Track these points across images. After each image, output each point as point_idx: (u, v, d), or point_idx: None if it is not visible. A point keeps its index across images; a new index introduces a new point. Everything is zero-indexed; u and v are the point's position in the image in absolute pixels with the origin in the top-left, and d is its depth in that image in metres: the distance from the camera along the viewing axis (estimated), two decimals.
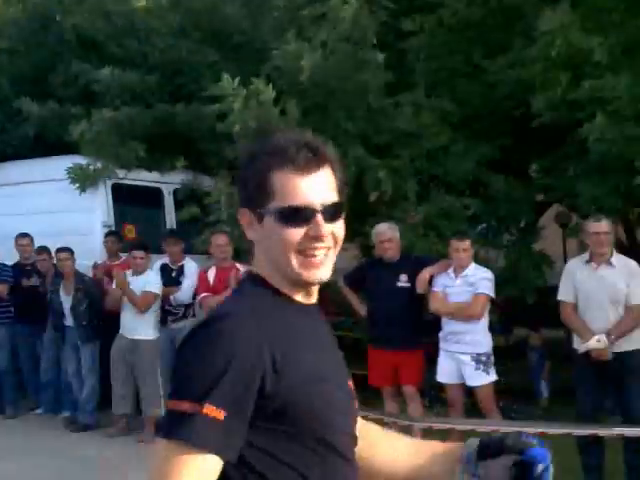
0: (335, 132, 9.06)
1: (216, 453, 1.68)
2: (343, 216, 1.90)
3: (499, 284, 7.79)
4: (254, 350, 1.71)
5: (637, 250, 9.59)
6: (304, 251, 1.84)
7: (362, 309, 8.07)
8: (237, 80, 8.90)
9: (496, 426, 6.37)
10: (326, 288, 7.42)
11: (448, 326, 7.31)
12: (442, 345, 7.39)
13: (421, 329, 7.78)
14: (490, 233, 9.35)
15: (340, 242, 1.91)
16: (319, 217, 1.83)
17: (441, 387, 7.75)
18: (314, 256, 1.85)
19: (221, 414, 1.67)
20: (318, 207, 1.84)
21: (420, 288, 7.47)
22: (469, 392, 7.48)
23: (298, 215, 1.83)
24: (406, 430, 7.64)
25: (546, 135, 9.10)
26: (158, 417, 8.65)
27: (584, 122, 8.07)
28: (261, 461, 1.74)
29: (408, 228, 8.72)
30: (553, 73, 8.40)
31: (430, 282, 7.49)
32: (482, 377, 7.14)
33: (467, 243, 7.33)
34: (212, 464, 1.68)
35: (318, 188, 1.84)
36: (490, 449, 1.93)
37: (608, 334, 6.34)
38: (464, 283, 7.26)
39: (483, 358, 7.12)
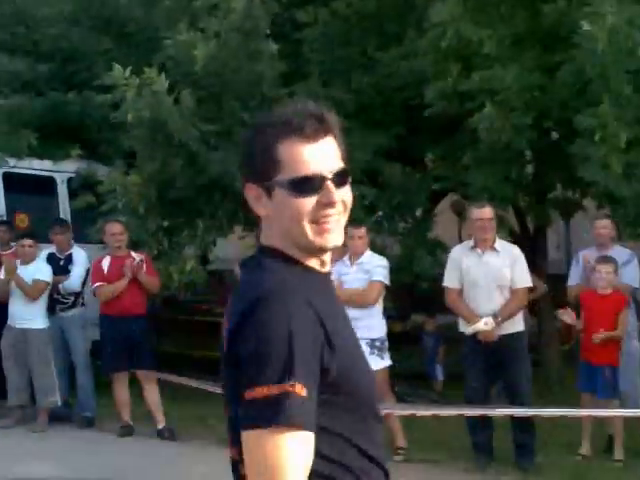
0: (230, 122, 9.07)
1: (310, 429, 1.68)
2: (349, 181, 1.88)
3: (395, 271, 7.93)
4: (312, 324, 1.72)
5: (529, 237, 9.93)
6: (317, 219, 1.82)
7: None
8: (129, 70, 8.80)
9: (391, 410, 6.51)
10: (225, 277, 7.47)
11: None
12: None
13: None
14: (386, 221, 9.49)
15: (349, 208, 1.88)
16: (330, 184, 1.81)
17: None
18: (327, 222, 1.82)
19: (303, 391, 1.66)
20: (328, 174, 1.81)
21: None
22: None
23: (309, 184, 1.80)
24: None
25: (440, 125, 9.30)
26: (52, 407, 8.53)
27: (474, 112, 8.29)
28: (323, 441, 1.73)
29: None
30: (444, 64, 8.59)
31: None
32: (377, 362, 7.24)
33: (362, 231, 7.42)
34: (311, 440, 1.69)
35: (326, 156, 1.82)
36: None
37: (495, 316, 6.56)
38: (359, 270, 7.35)
39: (377, 343, 7.24)
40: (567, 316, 6.99)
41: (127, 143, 9.50)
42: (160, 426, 8.13)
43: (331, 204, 1.81)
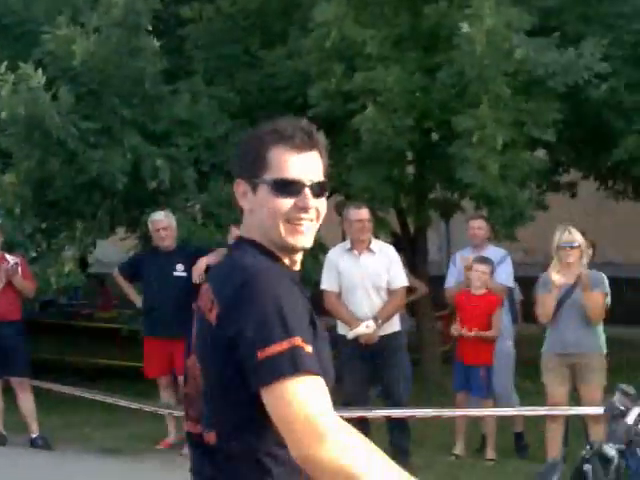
0: (110, 119, 8.83)
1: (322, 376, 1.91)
2: (326, 195, 2.12)
3: None
4: (300, 298, 1.99)
5: (409, 238, 10.01)
6: (291, 220, 2.05)
7: (138, 300, 7.92)
8: (4, 65, 8.47)
9: None
10: (105, 281, 7.23)
11: None
12: None
13: None
14: None
15: (321, 218, 2.11)
16: (307, 191, 2.06)
17: None
18: (300, 225, 2.06)
19: (310, 347, 1.90)
20: (307, 182, 2.06)
21: (196, 277, 7.42)
22: None
23: (290, 187, 2.04)
24: (182, 419, 7.60)
25: (324, 125, 9.27)
26: None
27: (357, 113, 8.29)
28: None
29: (186, 217, 8.65)
30: (328, 64, 8.56)
31: (207, 271, 7.45)
32: None
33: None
34: (325, 385, 1.92)
35: (309, 166, 2.07)
36: None
37: (375, 319, 6.54)
38: None
39: None
40: (455, 330, 7.04)
41: (2, 141, 9.14)
42: (34, 435, 7.84)
43: (306, 209, 2.06)
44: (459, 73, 8.05)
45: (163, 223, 7.64)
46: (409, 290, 7.03)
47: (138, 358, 7.98)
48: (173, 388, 7.74)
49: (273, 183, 2.05)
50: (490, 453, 7.00)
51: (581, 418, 6.51)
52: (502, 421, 7.16)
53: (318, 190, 2.08)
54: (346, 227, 6.79)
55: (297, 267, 2.15)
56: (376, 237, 7.23)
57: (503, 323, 7.22)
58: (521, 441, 7.21)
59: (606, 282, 6.45)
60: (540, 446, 6.61)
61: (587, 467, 2.59)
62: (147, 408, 7.21)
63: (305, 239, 2.08)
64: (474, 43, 7.74)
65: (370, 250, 6.69)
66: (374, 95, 8.23)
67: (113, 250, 9.78)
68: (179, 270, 7.55)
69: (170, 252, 7.65)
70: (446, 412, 6.70)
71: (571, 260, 6.31)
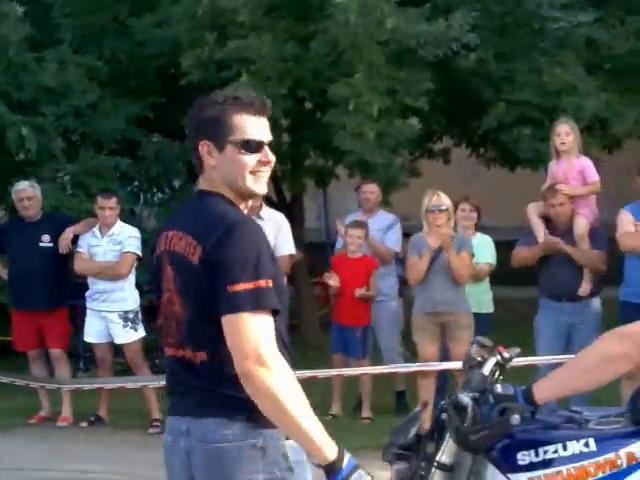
0: None
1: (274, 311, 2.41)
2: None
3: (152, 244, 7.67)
4: (268, 243, 2.48)
5: (285, 205, 9.99)
6: (255, 172, 2.52)
7: (3, 272, 7.62)
8: None
9: (143, 382, 6.31)
10: None
11: (94, 285, 7.11)
12: (89, 304, 7.18)
13: (67, 290, 7.51)
14: (142, 192, 9.22)
15: (271, 168, 2.58)
16: (267, 148, 2.54)
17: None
18: (262, 175, 2.54)
19: (270, 283, 2.38)
20: (266, 141, 2.54)
21: (63, 247, 7.19)
22: (120, 349, 7.40)
23: (255, 145, 2.50)
24: (55, 393, 7.40)
25: (197, 94, 9.08)
26: None
27: (231, 82, 8.16)
28: None
29: (55, 187, 8.36)
30: (199, 32, 8.40)
31: (75, 242, 7.23)
32: (130, 334, 7.04)
33: (113, 201, 7.13)
34: (272, 319, 2.41)
35: (264, 128, 2.55)
36: None
37: None
38: (111, 242, 7.08)
39: (130, 315, 7.02)
40: (332, 280, 7.04)
41: None
42: None
43: (268, 162, 2.54)
44: (333, 42, 8.02)
45: (27, 192, 7.35)
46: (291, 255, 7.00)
47: (8, 332, 7.71)
48: (44, 361, 7.51)
49: (241, 143, 2.49)
50: (365, 412, 7.09)
51: (455, 378, 6.62)
52: (384, 381, 7.26)
53: (271, 147, 2.55)
54: None
55: (245, 212, 2.60)
56: None
57: (389, 285, 7.32)
58: (402, 399, 7.32)
59: (472, 243, 6.65)
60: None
61: (444, 416, 2.61)
62: (18, 382, 6.97)
63: (264, 187, 2.58)
64: (348, 12, 7.72)
65: (259, 217, 6.59)
66: (247, 64, 8.13)
67: None
68: (45, 241, 7.29)
69: (36, 222, 7.37)
70: (321, 372, 6.73)
71: (439, 223, 6.44)
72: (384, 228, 7.47)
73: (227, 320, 2.36)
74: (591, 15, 8.28)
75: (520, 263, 6.57)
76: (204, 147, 2.53)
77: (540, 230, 6.40)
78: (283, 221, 6.86)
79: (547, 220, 6.45)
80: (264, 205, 6.80)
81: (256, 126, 2.51)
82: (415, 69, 8.17)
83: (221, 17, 8.38)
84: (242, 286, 2.34)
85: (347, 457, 2.39)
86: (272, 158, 2.54)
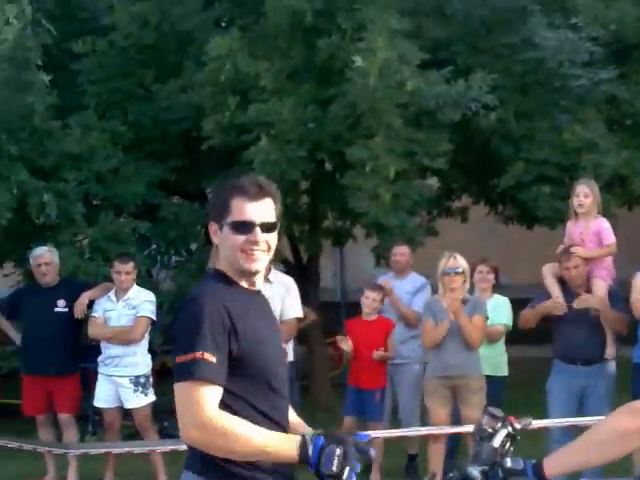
0: None
1: (215, 383, 2.54)
2: (276, 231, 2.75)
3: (170, 306, 7.70)
4: (221, 315, 2.58)
5: (302, 266, 9.98)
6: (246, 250, 2.68)
7: (17, 337, 7.64)
8: None
9: (150, 447, 6.25)
10: None
11: (107, 350, 7.11)
12: (100, 369, 7.16)
13: (80, 354, 7.53)
14: (159, 255, 9.27)
15: (272, 248, 2.75)
16: (257, 229, 2.69)
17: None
18: (252, 254, 2.68)
19: (213, 358, 2.53)
20: (257, 222, 2.69)
21: (78, 313, 7.21)
22: (128, 413, 7.34)
23: (243, 226, 2.68)
24: (62, 457, 7.34)
25: (218, 157, 9.21)
26: None
27: (251, 145, 8.25)
28: (229, 398, 2.59)
29: (74, 251, 8.43)
30: (222, 97, 8.53)
31: (90, 306, 7.26)
32: (140, 399, 7.00)
33: (130, 265, 7.16)
34: (217, 391, 2.55)
35: (260, 211, 2.70)
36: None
37: None
38: (126, 306, 7.09)
39: (142, 380, 7.00)
40: (345, 344, 6.98)
41: None
42: None
43: (255, 242, 2.69)
44: (352, 105, 8.10)
45: (44, 258, 7.41)
46: (298, 319, 6.95)
47: (16, 396, 7.70)
48: (52, 425, 7.49)
49: (232, 224, 2.69)
50: (375, 476, 6.93)
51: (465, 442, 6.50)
52: (395, 443, 7.16)
53: (268, 227, 2.71)
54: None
55: (256, 287, 2.79)
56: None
57: (413, 348, 7.23)
58: (413, 463, 7.20)
59: (486, 306, 6.59)
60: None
61: None
62: (26, 446, 6.93)
63: (257, 265, 2.72)
64: (367, 76, 7.82)
65: (267, 280, 6.56)
66: (268, 127, 8.23)
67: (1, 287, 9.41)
68: (60, 306, 7.31)
69: (52, 288, 7.41)
70: None
71: (455, 286, 6.38)
72: (414, 291, 7.40)
73: (175, 388, 2.59)
74: (613, 72, 8.28)
75: (524, 324, 6.53)
76: (211, 227, 2.79)
77: (555, 291, 6.32)
78: (291, 285, 6.84)
79: (562, 282, 6.37)
80: (273, 269, 6.76)
81: (249, 209, 2.69)
82: (434, 130, 8.21)
83: (243, 82, 8.52)
84: (180, 358, 2.56)
85: (311, 441, 2.53)
86: (262, 238, 2.69)
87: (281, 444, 2.53)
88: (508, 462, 2.48)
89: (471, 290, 6.73)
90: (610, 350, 6.19)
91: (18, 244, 8.83)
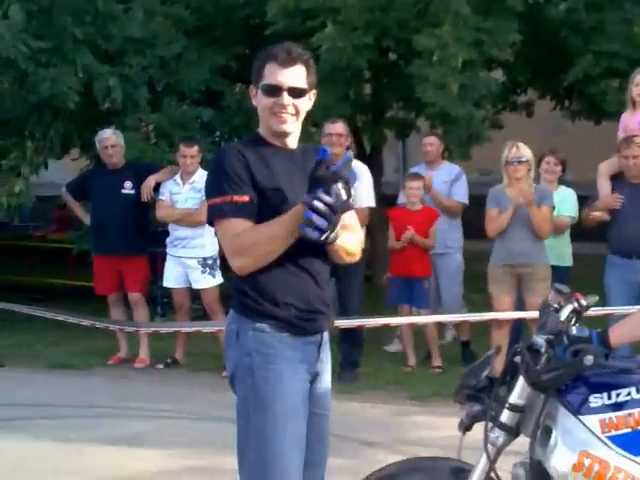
0: (62, 38, 8.55)
1: (245, 217, 2.83)
2: (305, 96, 2.92)
3: None
4: (237, 160, 2.86)
5: (365, 156, 9.94)
6: (275, 113, 2.88)
7: (86, 218, 7.80)
8: None
9: (219, 327, 6.40)
10: (64, 206, 6.93)
11: (175, 232, 7.22)
12: (169, 250, 7.29)
13: (148, 238, 7.67)
14: (224, 142, 9.27)
15: (301, 112, 2.92)
16: (284, 93, 2.87)
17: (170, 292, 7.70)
18: (281, 116, 2.88)
19: (239, 197, 2.82)
20: (285, 87, 2.87)
21: (145, 195, 7.32)
22: (197, 295, 7.51)
23: (272, 89, 2.87)
24: (133, 336, 7.60)
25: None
26: None
27: (316, 31, 8.12)
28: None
29: (139, 136, 8.48)
30: None
31: (157, 189, 7.36)
32: (208, 280, 7.14)
33: (195, 149, 7.20)
34: (245, 224, 2.83)
35: (289, 76, 2.87)
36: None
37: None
38: (192, 189, 7.16)
39: (209, 262, 7.12)
40: (407, 234, 6.96)
41: None
42: None
43: (282, 105, 2.88)
44: None
45: (110, 140, 7.49)
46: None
47: (90, 278, 7.93)
48: (123, 305, 7.69)
49: (263, 87, 2.90)
50: (436, 361, 7.07)
51: (529, 329, 6.56)
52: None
53: (295, 92, 2.88)
54: (323, 141, 6.65)
55: (291, 146, 2.97)
56: None
57: (455, 238, 7.28)
58: (468, 349, 7.29)
59: (552, 196, 6.53)
60: None
61: (517, 359, 2.59)
62: (98, 324, 7.15)
63: (286, 126, 2.91)
64: None
65: None
66: (334, 13, 8.06)
67: (68, 171, 9.55)
68: (127, 188, 7.43)
69: (119, 170, 7.52)
70: (393, 320, 6.74)
71: (519, 175, 6.34)
72: (450, 180, 7.37)
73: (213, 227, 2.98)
74: None
75: (586, 223, 6.42)
76: (251, 91, 2.99)
77: (604, 189, 6.20)
78: (365, 172, 6.80)
79: (617, 178, 6.23)
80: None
81: (278, 74, 2.86)
82: (502, 19, 7.99)
83: None
84: (212, 200, 2.89)
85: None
86: (288, 101, 2.87)
87: (290, 216, 2.73)
88: (573, 330, 2.51)
89: (536, 181, 6.67)
90: None
91: (84, 129, 8.89)
